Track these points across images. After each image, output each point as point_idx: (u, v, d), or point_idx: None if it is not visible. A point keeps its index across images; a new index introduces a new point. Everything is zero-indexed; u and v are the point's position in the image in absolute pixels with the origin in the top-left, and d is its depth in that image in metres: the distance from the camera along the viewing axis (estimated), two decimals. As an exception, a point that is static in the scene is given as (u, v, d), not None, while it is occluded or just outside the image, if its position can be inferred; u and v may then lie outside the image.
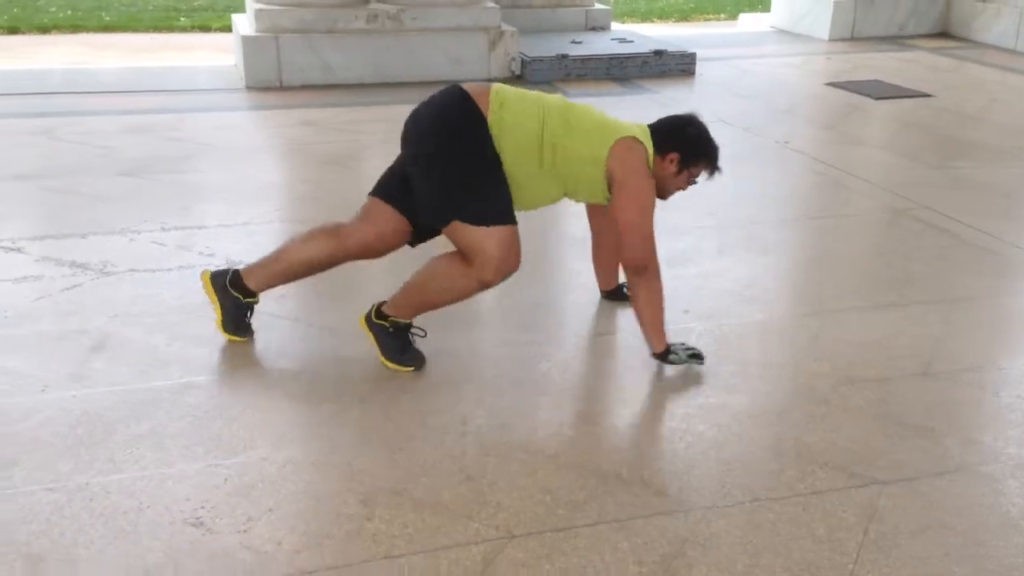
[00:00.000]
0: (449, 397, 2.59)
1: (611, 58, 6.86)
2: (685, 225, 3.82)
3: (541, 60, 6.72)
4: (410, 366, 2.72)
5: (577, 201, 2.80)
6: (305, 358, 2.79)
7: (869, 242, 3.82)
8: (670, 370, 2.74)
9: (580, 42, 7.27)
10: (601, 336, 2.98)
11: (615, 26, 8.51)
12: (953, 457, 2.34)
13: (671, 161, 2.67)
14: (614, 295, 3.16)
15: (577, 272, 3.35)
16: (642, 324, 2.73)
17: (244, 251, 3.42)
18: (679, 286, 3.23)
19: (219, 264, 3.31)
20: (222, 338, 2.82)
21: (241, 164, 4.64)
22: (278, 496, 2.16)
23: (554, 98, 2.66)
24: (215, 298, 2.79)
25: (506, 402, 2.59)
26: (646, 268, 2.63)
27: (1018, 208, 4.21)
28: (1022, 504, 2.16)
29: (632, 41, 7.36)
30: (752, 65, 7.50)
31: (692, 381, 2.69)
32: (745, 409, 2.59)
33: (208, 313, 2.83)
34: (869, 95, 6.37)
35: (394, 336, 2.72)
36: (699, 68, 7.15)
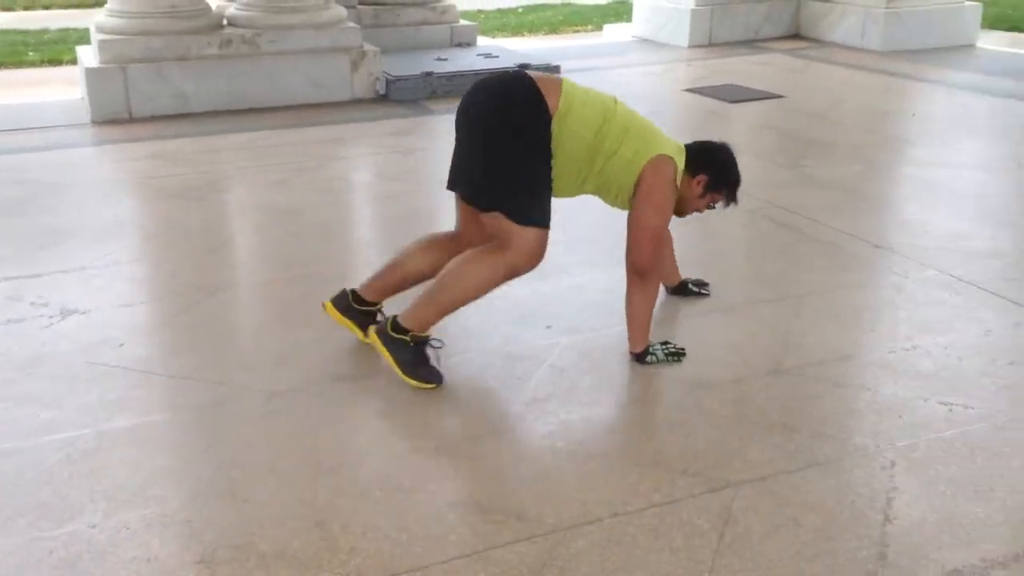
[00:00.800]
0: (301, 440, 2.49)
1: (476, 73, 6.84)
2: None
3: (406, 79, 6.66)
4: (432, 383, 2.69)
5: (601, 199, 2.88)
6: (146, 409, 2.65)
7: (723, 243, 3.90)
8: (529, 391, 2.71)
9: (445, 59, 7.24)
10: (455, 357, 2.93)
11: (482, 41, 8.51)
12: (804, 453, 2.38)
13: (699, 183, 2.81)
14: (680, 291, 3.29)
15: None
16: (631, 323, 2.85)
17: (79, 298, 3.24)
18: (543, 300, 3.22)
19: (52, 314, 3.13)
20: (48, 396, 2.65)
21: (84, 203, 4.41)
22: (106, 566, 2.02)
23: (618, 107, 2.74)
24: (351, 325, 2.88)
25: (359, 439, 2.51)
26: (649, 271, 2.79)
27: (862, 203, 4.37)
28: (868, 494, 2.22)
29: (498, 56, 7.37)
30: (615, 75, 7.62)
31: (554, 398, 2.67)
32: (606, 422, 2.59)
33: (33, 370, 2.65)
34: (725, 99, 6.56)
35: (413, 351, 2.69)
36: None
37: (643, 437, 2.48)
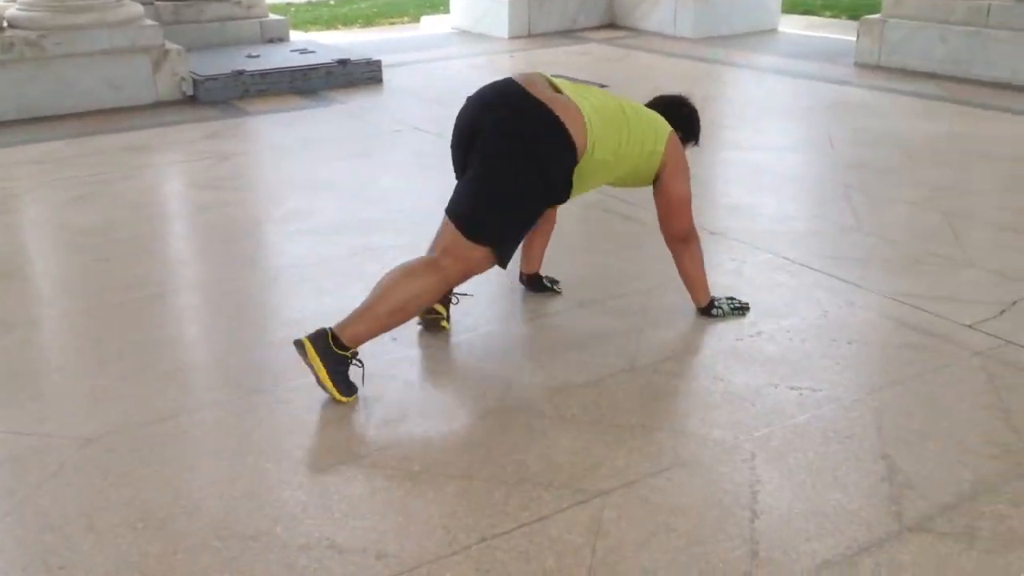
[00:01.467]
0: (123, 491, 2.21)
1: (294, 71, 6.52)
2: (382, 243, 3.66)
3: (215, 79, 6.24)
4: (353, 395, 2.59)
5: (616, 186, 2.99)
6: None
7: (562, 240, 3.84)
8: (380, 411, 2.53)
9: (258, 56, 6.86)
10: (297, 380, 2.70)
11: (295, 36, 8.16)
12: (667, 453, 2.33)
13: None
14: (534, 284, 3.25)
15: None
16: (690, 284, 3.02)
17: None
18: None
19: None
20: None
21: None
22: None
23: (625, 107, 2.73)
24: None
25: (191, 484, 2.25)
26: (692, 233, 2.96)
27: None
28: (733, 490, 2.19)
29: (314, 52, 7.06)
30: (439, 68, 7.49)
31: (408, 417, 2.50)
32: (464, 438, 2.45)
33: None
34: (551, 89, 6.56)
35: (346, 366, 2.58)
36: (386, 75, 7.00)
37: (504, 451, 2.35)
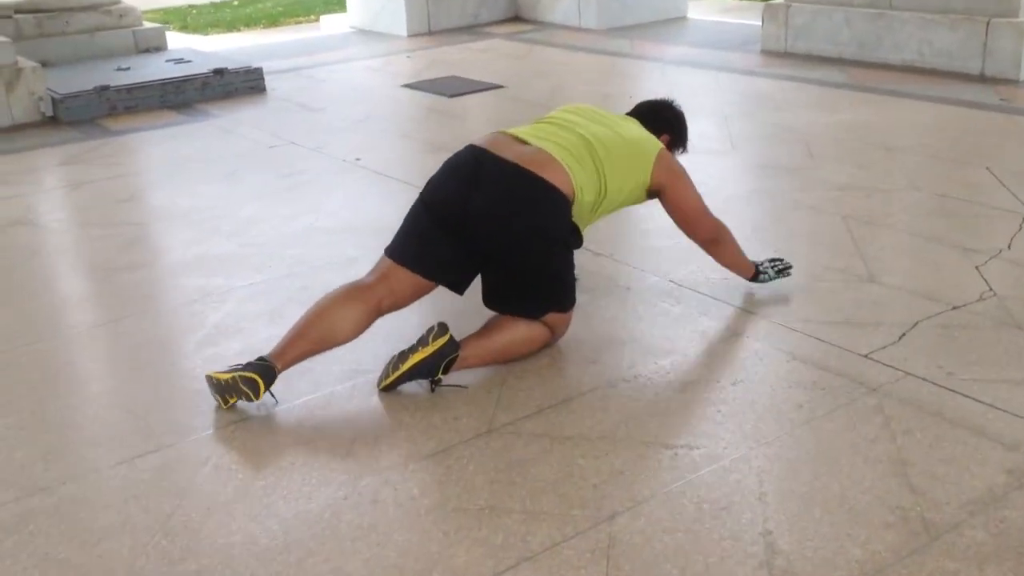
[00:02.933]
0: None
1: (165, 83, 6.04)
2: (227, 285, 3.27)
3: (76, 96, 5.73)
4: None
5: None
6: None
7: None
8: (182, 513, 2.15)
9: (128, 68, 6.36)
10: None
11: (177, 43, 7.64)
12: (515, 545, 1.98)
13: (666, 144, 2.93)
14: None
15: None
16: (733, 266, 3.03)
17: None
18: (230, 326, 2.65)
19: None
20: None
21: None
22: None
23: (593, 137, 2.70)
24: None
25: None
26: (719, 231, 2.95)
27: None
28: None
29: (190, 61, 6.57)
30: (329, 72, 7.05)
31: (215, 514, 2.12)
32: (280, 539, 2.08)
33: None
34: (444, 93, 6.18)
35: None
36: (272, 82, 6.56)
37: (325, 556, 1.99)
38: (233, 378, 2.44)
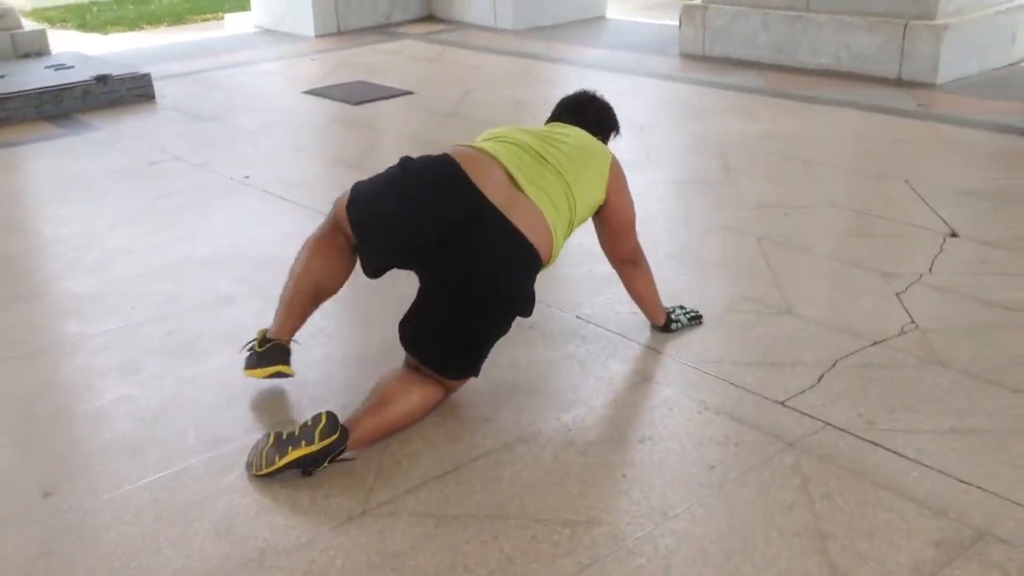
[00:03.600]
0: None
1: (41, 93, 5.56)
2: (88, 327, 2.90)
3: (-61, 107, 5.25)
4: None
5: None
6: None
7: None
8: None
9: (2, 75, 5.86)
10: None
11: (65, 46, 7.13)
12: None
13: (607, 140, 2.86)
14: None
15: None
16: (644, 304, 2.86)
17: None
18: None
19: None
20: None
21: None
22: None
23: (563, 166, 2.51)
24: None
25: None
26: (640, 254, 2.79)
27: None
28: None
29: (72, 67, 6.09)
30: (226, 77, 6.63)
31: None
32: None
33: None
34: (348, 101, 5.83)
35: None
36: (163, 88, 6.13)
37: None
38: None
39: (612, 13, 8.78)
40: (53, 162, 4.78)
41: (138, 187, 4.31)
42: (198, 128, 5.31)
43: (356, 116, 5.54)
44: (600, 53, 7.12)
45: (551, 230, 2.41)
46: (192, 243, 3.62)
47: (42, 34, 6.61)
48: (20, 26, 6.53)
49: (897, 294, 3.04)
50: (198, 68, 6.88)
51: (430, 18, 8.67)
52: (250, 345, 2.55)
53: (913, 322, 2.86)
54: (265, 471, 2.18)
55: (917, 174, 4.15)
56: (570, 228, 2.53)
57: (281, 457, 2.16)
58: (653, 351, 2.74)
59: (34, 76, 5.88)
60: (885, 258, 3.31)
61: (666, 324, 2.84)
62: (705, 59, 6.65)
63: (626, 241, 2.74)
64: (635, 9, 9.52)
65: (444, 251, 2.33)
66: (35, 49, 6.53)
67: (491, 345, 2.45)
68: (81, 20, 11.26)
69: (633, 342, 2.79)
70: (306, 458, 2.16)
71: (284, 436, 2.19)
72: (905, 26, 5.68)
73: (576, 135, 2.65)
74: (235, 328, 2.87)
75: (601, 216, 2.68)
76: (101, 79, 5.76)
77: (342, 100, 5.85)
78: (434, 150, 2.51)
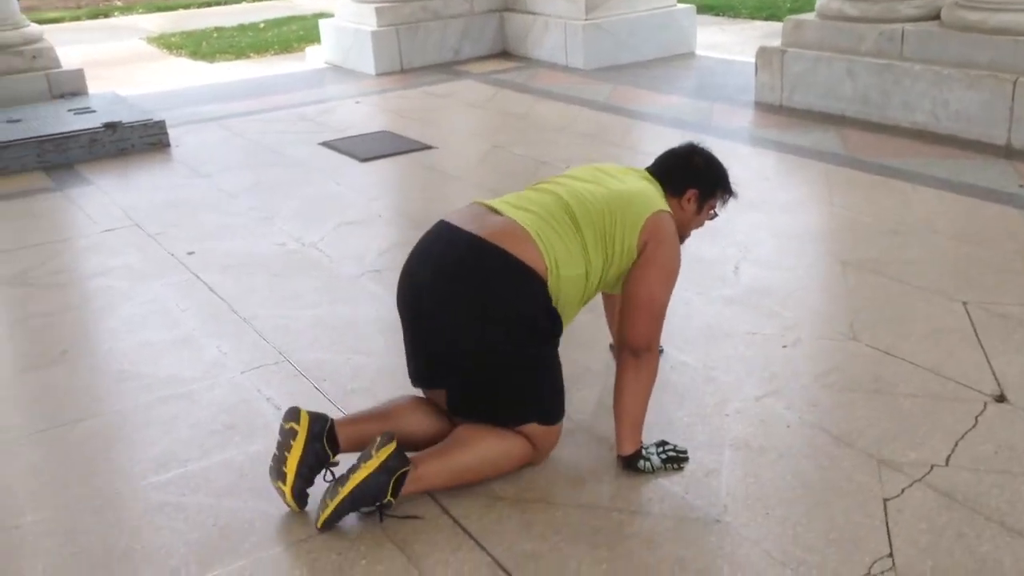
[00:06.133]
0: None
1: (43, 141, 5.32)
2: None
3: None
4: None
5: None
6: None
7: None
8: None
9: (19, 120, 5.68)
10: None
11: (100, 89, 6.81)
12: None
13: (688, 200, 2.46)
14: None
15: None
16: (620, 417, 2.32)
17: None
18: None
19: None
20: None
21: None
22: None
23: (577, 203, 2.26)
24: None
25: None
26: (649, 350, 2.31)
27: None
28: None
29: (94, 111, 5.86)
30: (254, 123, 6.23)
31: None
32: None
33: None
34: (357, 156, 5.29)
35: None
36: (185, 135, 5.82)
37: None
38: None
39: (708, 48, 7.90)
40: (38, 223, 4.45)
41: (57, 267, 3.84)
42: (184, 186, 4.89)
43: (353, 176, 4.95)
44: (670, 101, 6.28)
45: (533, 236, 2.16)
46: (61, 357, 3.15)
47: (79, 74, 6.43)
48: (57, 65, 6.38)
49: (885, 501, 2.17)
50: (235, 111, 6.54)
51: (503, 54, 8.05)
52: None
53: (891, 556, 1.99)
54: (330, 509, 2.07)
55: (983, 294, 3.17)
56: (584, 255, 2.21)
57: (342, 487, 2.06)
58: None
59: (50, 121, 5.67)
60: (890, 429, 2.42)
61: (633, 457, 2.31)
62: (781, 110, 5.72)
63: (638, 320, 2.29)
64: (741, 40, 8.58)
65: (419, 306, 2.22)
66: (71, 89, 6.36)
67: (534, 379, 2.22)
68: (196, 47, 11.38)
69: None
70: (368, 482, 2.04)
71: (340, 475, 2.11)
72: (1015, 83, 4.58)
73: (632, 179, 2.40)
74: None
75: (629, 275, 2.31)
76: (111, 126, 5.47)
77: (350, 155, 5.31)
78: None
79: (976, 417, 2.46)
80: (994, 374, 2.67)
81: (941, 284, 3.26)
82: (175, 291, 3.55)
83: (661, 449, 2.33)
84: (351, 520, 2.14)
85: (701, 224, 2.56)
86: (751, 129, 5.49)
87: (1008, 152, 4.63)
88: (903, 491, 2.19)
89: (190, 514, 2.22)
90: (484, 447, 2.19)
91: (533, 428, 2.24)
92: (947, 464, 2.28)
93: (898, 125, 5.12)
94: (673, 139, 5.26)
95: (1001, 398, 2.54)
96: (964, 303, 3.10)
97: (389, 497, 2.07)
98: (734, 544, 2.05)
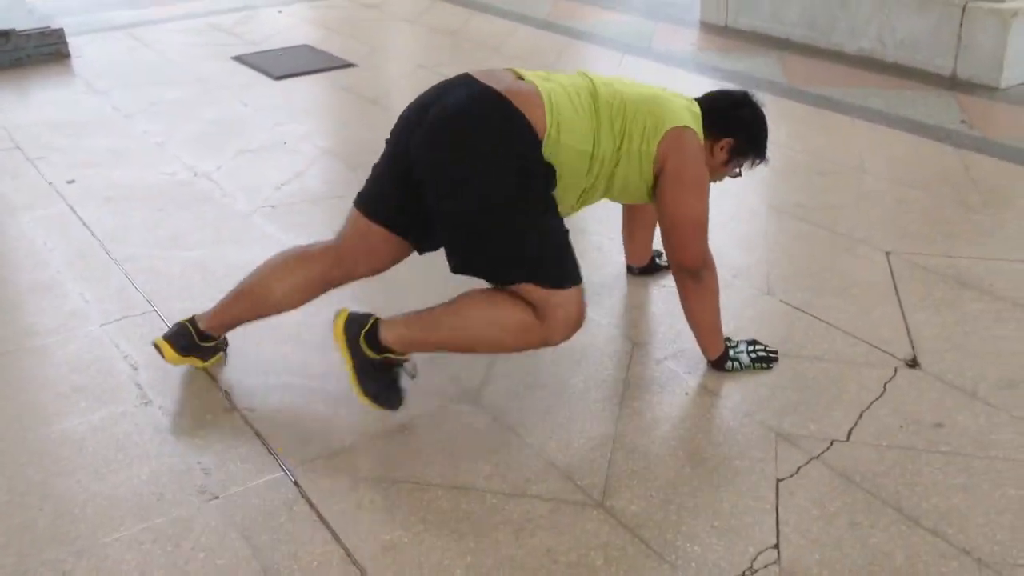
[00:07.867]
0: None
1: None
2: None
3: None
4: (388, 407, 2.18)
5: (615, 201, 2.39)
6: None
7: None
8: None
9: None
10: None
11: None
12: None
13: (723, 148, 2.31)
14: (648, 269, 2.85)
15: None
16: (698, 331, 2.35)
17: None
18: None
19: None
20: None
21: None
22: None
23: (604, 89, 2.15)
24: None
25: None
26: (706, 266, 2.27)
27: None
28: None
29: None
30: (165, 32, 5.79)
31: None
32: None
33: None
34: (271, 73, 4.93)
35: (383, 370, 2.14)
36: (87, 44, 5.40)
37: None
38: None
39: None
40: None
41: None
42: (77, 103, 4.52)
43: (263, 96, 4.61)
44: (610, 17, 5.95)
45: (541, 93, 2.05)
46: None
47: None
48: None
49: (778, 482, 2.01)
50: (145, 18, 6.08)
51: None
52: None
53: (776, 546, 1.85)
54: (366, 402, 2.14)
55: (908, 244, 3.00)
56: (594, 136, 2.09)
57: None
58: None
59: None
60: (790, 404, 2.26)
61: (721, 360, 2.35)
62: (726, 31, 5.43)
63: (684, 243, 2.24)
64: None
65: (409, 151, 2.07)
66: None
67: (529, 228, 2.02)
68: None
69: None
70: (352, 354, 2.09)
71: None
72: (963, 8, 4.34)
73: (667, 94, 2.25)
74: None
75: (657, 206, 2.24)
76: (3, 35, 5.03)
77: (264, 72, 4.95)
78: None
79: (885, 384, 2.31)
80: (909, 335, 2.51)
81: (866, 232, 3.09)
82: (45, 226, 3.24)
83: (752, 348, 2.37)
84: (191, 504, 1.95)
85: (721, 178, 2.40)
86: (692, 52, 5.21)
87: (952, 83, 4.42)
88: (798, 470, 2.03)
89: (13, 496, 2.01)
90: (474, 310, 2.04)
91: (534, 292, 2.00)
92: (848, 439, 2.12)
93: (843, 51, 4.88)
94: (611, 62, 5.08)
95: (913, 362, 2.39)
96: (887, 253, 2.93)
97: (375, 355, 2.09)
98: (611, 533, 1.88)
